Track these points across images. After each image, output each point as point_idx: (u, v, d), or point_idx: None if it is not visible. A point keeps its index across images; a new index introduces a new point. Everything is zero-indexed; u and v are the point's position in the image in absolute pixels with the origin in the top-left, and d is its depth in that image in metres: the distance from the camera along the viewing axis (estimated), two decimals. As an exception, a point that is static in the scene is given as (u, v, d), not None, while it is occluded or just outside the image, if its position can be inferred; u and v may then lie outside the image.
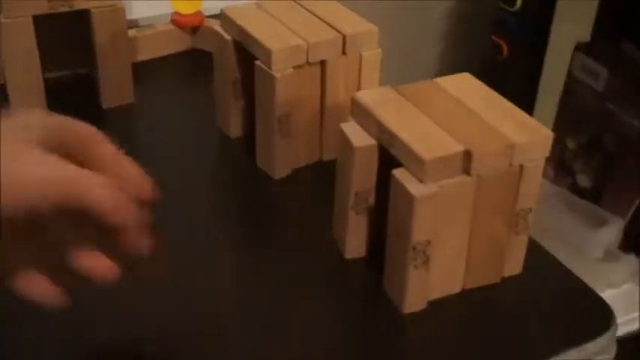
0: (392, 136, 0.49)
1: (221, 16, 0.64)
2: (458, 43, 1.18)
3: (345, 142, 0.52)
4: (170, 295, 0.51)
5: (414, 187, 0.47)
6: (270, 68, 0.59)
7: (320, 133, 0.64)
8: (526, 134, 0.49)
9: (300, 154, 0.64)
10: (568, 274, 0.56)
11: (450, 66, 1.18)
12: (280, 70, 0.59)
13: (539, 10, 1.02)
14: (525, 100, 1.04)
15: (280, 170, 0.63)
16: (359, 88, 0.63)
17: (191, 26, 0.79)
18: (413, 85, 0.54)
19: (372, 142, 0.51)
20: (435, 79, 0.55)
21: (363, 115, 0.52)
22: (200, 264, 0.55)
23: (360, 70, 0.62)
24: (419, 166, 0.47)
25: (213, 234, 0.59)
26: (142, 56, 0.78)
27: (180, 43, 0.79)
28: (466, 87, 0.54)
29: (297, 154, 0.63)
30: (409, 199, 0.47)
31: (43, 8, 0.66)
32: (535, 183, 0.51)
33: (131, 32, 0.78)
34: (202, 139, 0.69)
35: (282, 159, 0.63)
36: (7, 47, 0.66)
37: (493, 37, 1.03)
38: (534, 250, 0.55)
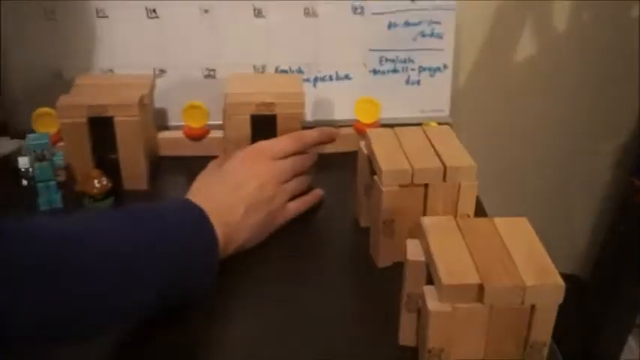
0: (431, 257, 0.54)
1: (365, 136, 0.73)
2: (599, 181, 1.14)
3: (405, 254, 0.58)
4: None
5: (432, 303, 0.52)
6: (380, 183, 0.66)
7: (421, 238, 0.69)
8: (540, 279, 0.51)
9: (402, 252, 0.69)
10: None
11: (588, 203, 1.16)
12: (388, 186, 0.66)
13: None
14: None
15: (382, 262, 0.70)
16: (456, 209, 0.68)
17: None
18: (472, 220, 0.58)
19: (422, 259, 0.56)
20: (493, 218, 0.58)
21: (422, 236, 0.57)
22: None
23: (458, 195, 0.67)
24: (440, 287, 0.52)
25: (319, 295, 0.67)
26: (326, 150, 0.88)
27: (355, 145, 0.88)
28: (516, 229, 0.57)
29: (398, 252, 0.69)
30: (427, 312, 0.52)
31: (253, 111, 0.79)
32: (548, 323, 0.52)
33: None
34: (340, 222, 0.77)
35: (385, 254, 0.69)
36: (230, 132, 0.81)
37: (633, 180, 0.98)
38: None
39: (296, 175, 0.75)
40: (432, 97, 0.97)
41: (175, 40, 0.90)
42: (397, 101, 0.95)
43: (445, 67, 0.95)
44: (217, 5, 0.89)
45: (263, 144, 0.75)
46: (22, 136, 0.80)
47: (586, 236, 1.19)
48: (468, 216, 0.68)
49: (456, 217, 0.68)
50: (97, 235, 0.54)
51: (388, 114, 0.91)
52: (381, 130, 0.73)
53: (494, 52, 1.04)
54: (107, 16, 0.88)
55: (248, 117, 0.80)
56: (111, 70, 0.90)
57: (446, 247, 0.55)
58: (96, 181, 0.76)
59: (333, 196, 0.81)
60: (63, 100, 0.79)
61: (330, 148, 0.89)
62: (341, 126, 0.92)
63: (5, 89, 0.89)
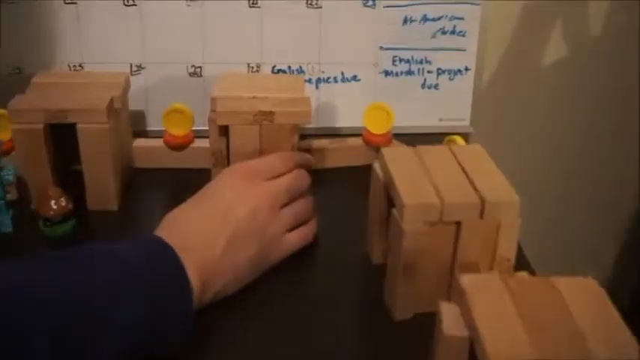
0: (476, 332, 0.39)
1: (379, 155, 0.57)
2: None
3: (439, 323, 0.43)
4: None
5: (481, 401, 0.37)
6: (401, 220, 0.51)
7: (449, 284, 0.54)
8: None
9: (425, 301, 0.54)
10: None
11: (617, 212, 1.02)
12: (410, 224, 0.50)
13: None
14: None
15: (401, 313, 0.54)
16: (495, 251, 0.52)
17: (377, 145, 0.72)
18: (524, 280, 0.43)
19: (464, 333, 0.41)
20: (551, 278, 0.43)
21: (460, 299, 0.42)
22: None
23: (497, 235, 0.52)
24: (491, 381, 0.37)
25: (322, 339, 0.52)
26: (328, 164, 0.73)
27: (364, 158, 0.73)
28: (583, 294, 0.42)
29: (421, 301, 0.54)
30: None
31: (250, 122, 0.64)
32: None
33: (324, 142, 0.74)
34: (347, 256, 0.62)
35: (404, 303, 0.54)
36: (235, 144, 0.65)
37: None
38: None
39: (292, 198, 0.59)
40: (451, 104, 0.81)
41: (156, 32, 0.74)
42: (411, 107, 0.80)
43: (467, 69, 0.80)
44: (206, -8, 0.73)
45: (255, 162, 0.59)
46: (-33, 144, 0.64)
47: (614, 245, 1.06)
48: (509, 260, 0.53)
49: (493, 261, 0.53)
50: (45, 297, 0.42)
51: (401, 122, 0.75)
52: (400, 149, 0.58)
53: (521, 54, 0.89)
54: (76, 2, 0.72)
55: (257, 127, 0.64)
56: (81, 66, 0.75)
57: (493, 318, 0.40)
58: (53, 202, 0.61)
59: (338, 221, 0.65)
60: (17, 101, 0.63)
61: (334, 162, 0.74)
62: (347, 135, 0.77)
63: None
